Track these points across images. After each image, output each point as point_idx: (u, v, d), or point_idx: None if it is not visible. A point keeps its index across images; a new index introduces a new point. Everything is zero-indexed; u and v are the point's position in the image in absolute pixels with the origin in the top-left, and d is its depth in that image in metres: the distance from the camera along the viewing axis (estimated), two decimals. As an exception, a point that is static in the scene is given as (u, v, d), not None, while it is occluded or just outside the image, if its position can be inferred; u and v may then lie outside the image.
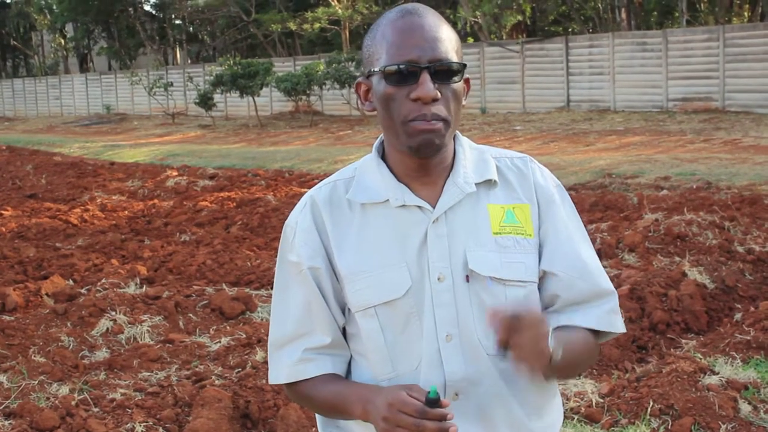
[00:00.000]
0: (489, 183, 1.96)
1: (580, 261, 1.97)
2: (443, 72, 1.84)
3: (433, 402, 1.72)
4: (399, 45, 1.84)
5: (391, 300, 1.90)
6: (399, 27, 1.86)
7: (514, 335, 1.70)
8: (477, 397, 1.91)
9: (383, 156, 1.99)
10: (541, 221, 1.97)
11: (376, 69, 1.88)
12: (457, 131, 1.98)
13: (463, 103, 1.92)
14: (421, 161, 1.90)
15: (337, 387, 1.94)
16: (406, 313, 1.90)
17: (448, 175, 1.94)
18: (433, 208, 1.92)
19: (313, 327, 1.96)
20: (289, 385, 2.02)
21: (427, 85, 1.81)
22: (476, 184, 1.94)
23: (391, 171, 1.95)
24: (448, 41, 1.86)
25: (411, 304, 1.90)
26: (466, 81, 1.93)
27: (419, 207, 1.91)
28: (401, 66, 1.83)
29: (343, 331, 2.00)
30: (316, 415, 2.10)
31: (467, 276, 1.90)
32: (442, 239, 1.90)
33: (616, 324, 2.00)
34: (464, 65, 1.88)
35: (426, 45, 1.83)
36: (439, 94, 1.83)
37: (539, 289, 1.97)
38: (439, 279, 1.89)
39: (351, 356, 2.01)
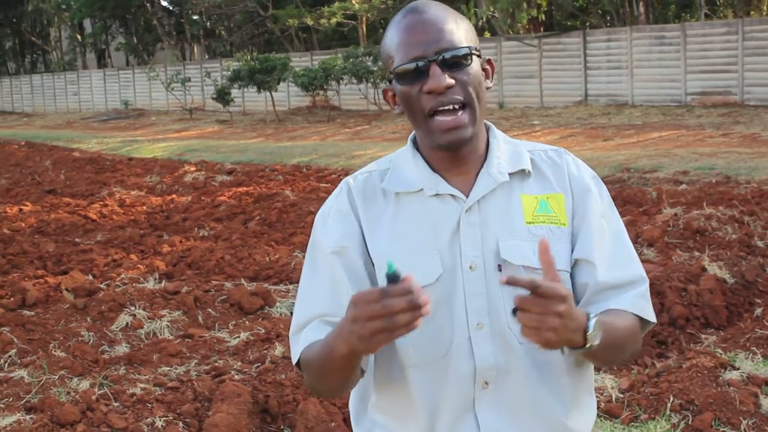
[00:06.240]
0: (523, 174, 1.98)
1: (611, 249, 1.97)
2: (452, 59, 1.87)
3: (395, 278, 1.61)
4: (405, 44, 1.89)
5: (421, 287, 1.89)
6: (403, 27, 1.91)
7: (524, 304, 1.65)
8: (506, 386, 1.91)
9: (418, 148, 2.01)
10: (575, 211, 1.98)
11: (391, 72, 1.93)
12: (492, 125, 2.01)
13: (489, 85, 1.95)
14: (454, 152, 1.93)
15: (321, 341, 1.86)
16: (435, 301, 1.88)
17: (482, 166, 1.96)
18: (467, 197, 1.93)
19: (335, 309, 1.92)
20: (301, 366, 1.96)
21: (437, 77, 1.85)
22: (510, 174, 1.96)
23: (426, 162, 1.97)
24: (454, 30, 1.89)
25: (441, 292, 1.90)
26: (489, 62, 1.96)
27: (452, 196, 1.93)
28: (410, 64, 1.88)
29: None
30: (350, 410, 2.08)
31: (499, 265, 1.90)
32: (474, 228, 1.92)
33: (646, 310, 1.98)
34: (473, 48, 1.89)
35: (430, 38, 1.87)
36: (452, 81, 1.86)
37: (572, 278, 1.96)
38: (471, 268, 1.90)
39: None
